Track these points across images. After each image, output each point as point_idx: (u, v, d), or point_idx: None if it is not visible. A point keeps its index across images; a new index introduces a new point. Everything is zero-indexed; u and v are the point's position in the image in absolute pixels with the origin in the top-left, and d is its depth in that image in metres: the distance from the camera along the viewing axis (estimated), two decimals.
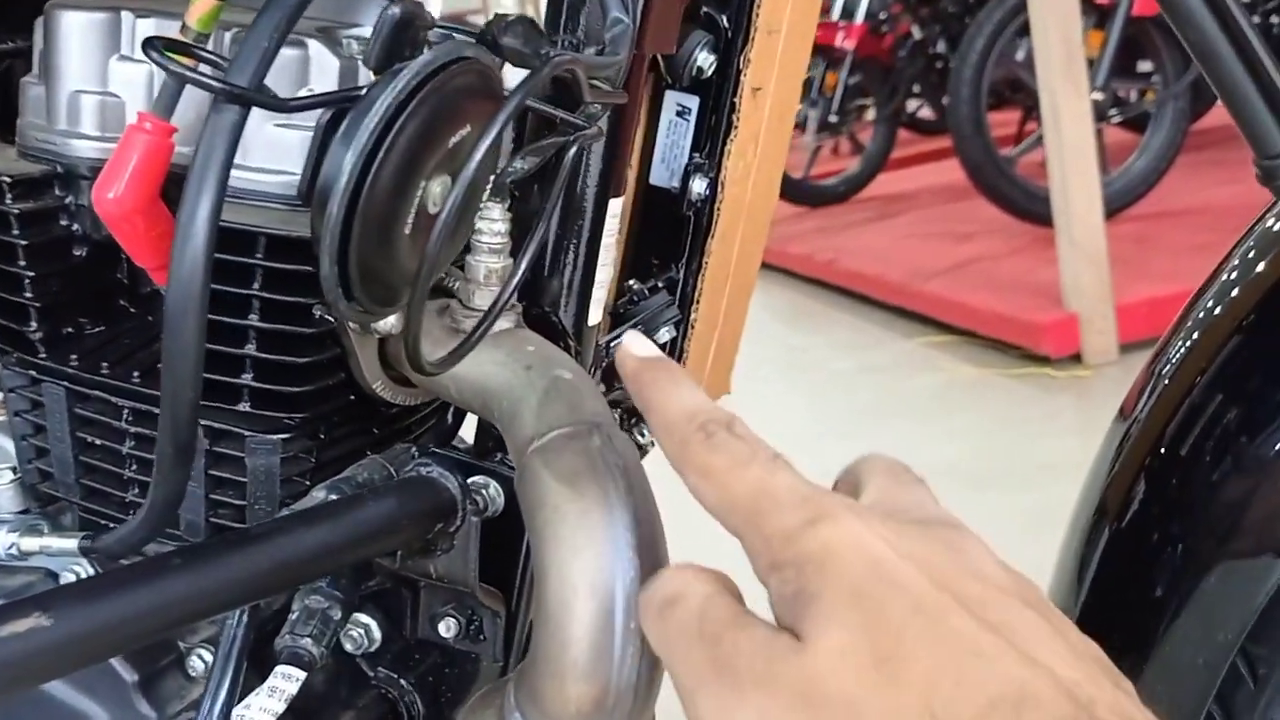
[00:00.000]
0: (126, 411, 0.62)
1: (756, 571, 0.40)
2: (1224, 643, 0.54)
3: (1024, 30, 3.60)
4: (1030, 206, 3.64)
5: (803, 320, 3.79)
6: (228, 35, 0.59)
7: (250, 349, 0.57)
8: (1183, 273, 3.21)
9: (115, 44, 0.61)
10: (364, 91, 0.45)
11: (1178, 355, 0.74)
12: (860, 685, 0.35)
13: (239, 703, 0.55)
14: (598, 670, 0.46)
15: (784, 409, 2.89)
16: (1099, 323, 2.91)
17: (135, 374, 0.60)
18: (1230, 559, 0.56)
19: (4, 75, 0.70)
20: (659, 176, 0.72)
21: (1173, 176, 3.95)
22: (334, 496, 0.57)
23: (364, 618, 0.64)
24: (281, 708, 0.56)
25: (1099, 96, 3.49)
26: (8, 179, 0.59)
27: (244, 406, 0.58)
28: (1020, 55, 3.92)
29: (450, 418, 0.69)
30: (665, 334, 0.73)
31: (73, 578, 0.62)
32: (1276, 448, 0.56)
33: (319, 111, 0.56)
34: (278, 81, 0.52)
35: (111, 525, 0.64)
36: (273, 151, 0.57)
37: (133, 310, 0.65)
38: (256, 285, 0.56)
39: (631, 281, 0.73)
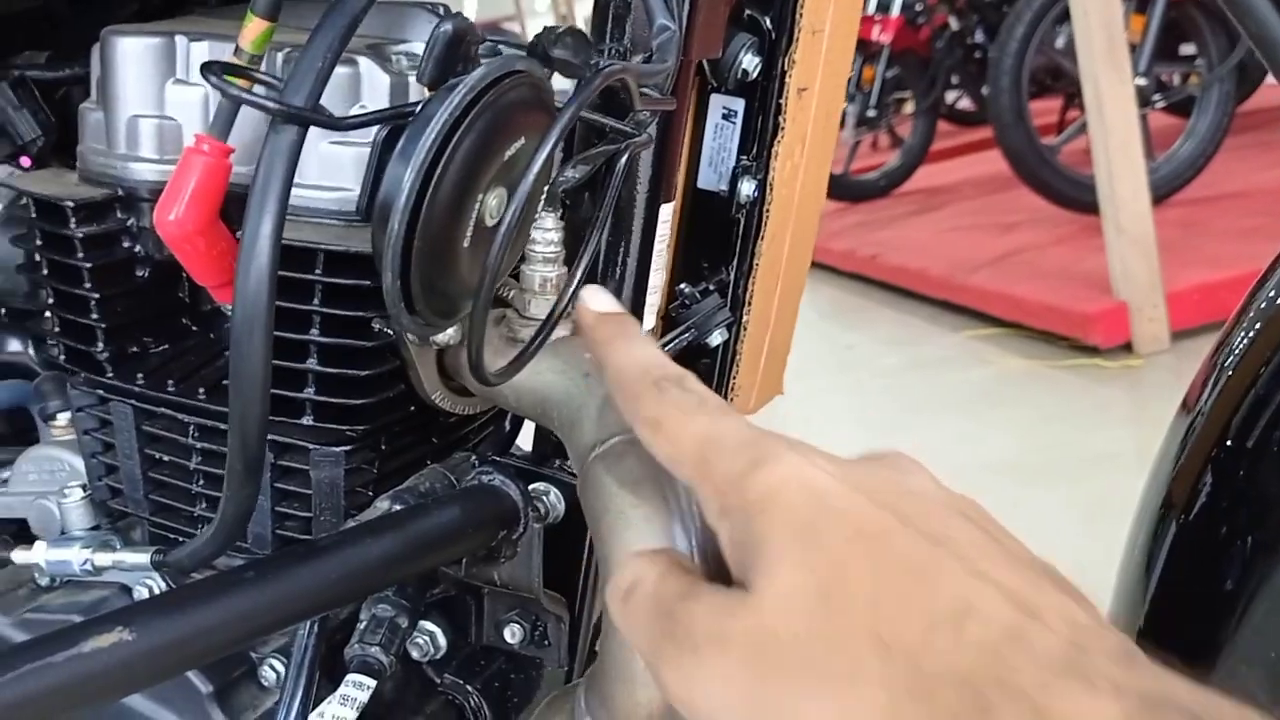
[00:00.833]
0: (193, 428, 0.63)
1: (709, 522, 0.40)
2: None
3: (1064, 17, 3.56)
4: (1074, 195, 3.60)
5: (848, 317, 3.77)
6: (280, 56, 0.60)
7: (312, 363, 0.58)
8: (1233, 257, 3.17)
9: (170, 68, 0.62)
10: (418, 108, 0.45)
11: (1240, 345, 0.73)
12: (809, 623, 0.35)
13: (312, 711, 0.56)
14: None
15: (833, 407, 2.88)
16: (1149, 311, 2.87)
17: (200, 391, 0.61)
18: None
19: (62, 102, 0.71)
20: (707, 180, 0.73)
21: (1219, 160, 3.89)
22: (398, 507, 0.58)
23: (430, 625, 0.65)
24: (354, 715, 0.57)
25: (1142, 82, 3.44)
26: (71, 204, 0.61)
27: (307, 420, 0.59)
28: (1060, 42, 3.88)
29: (508, 425, 0.69)
30: (718, 336, 0.73)
31: (145, 592, 0.63)
32: None
33: (374, 128, 0.56)
34: (330, 99, 0.53)
35: (181, 539, 0.65)
36: (327, 168, 0.58)
37: (194, 328, 0.67)
38: (316, 301, 0.57)
39: (683, 285, 0.73)
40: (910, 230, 4.19)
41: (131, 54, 0.62)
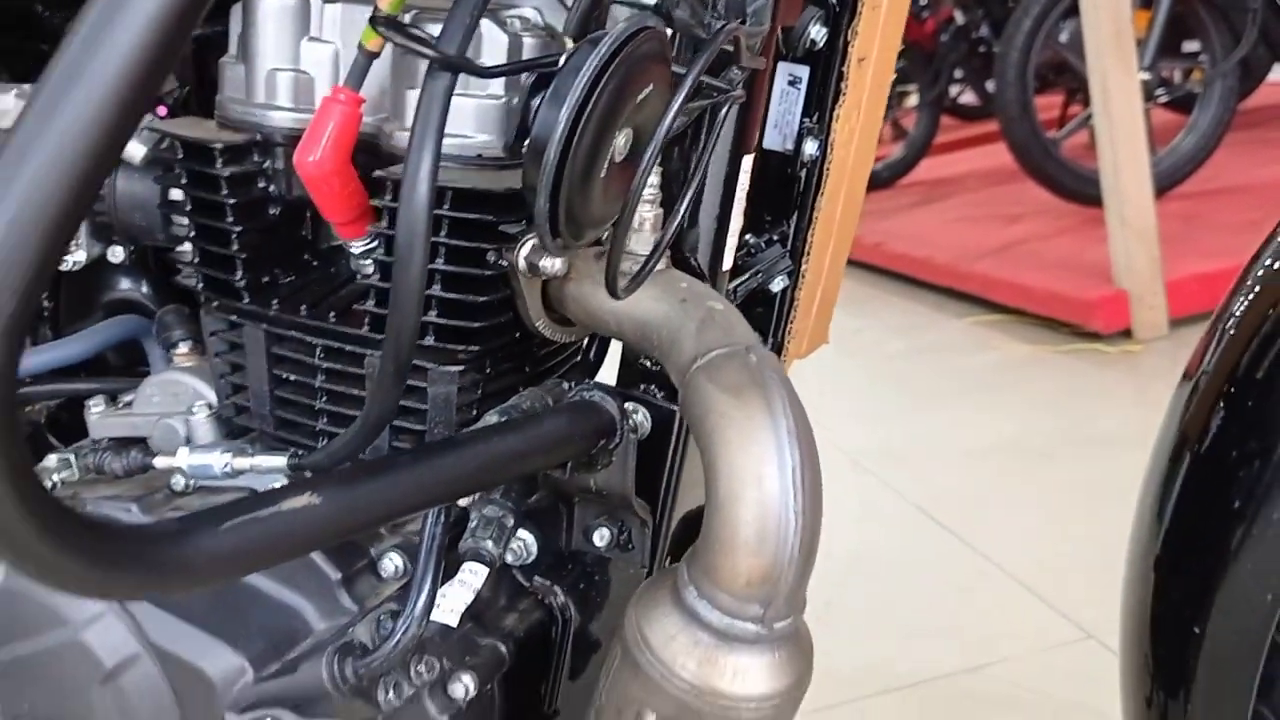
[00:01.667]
0: (319, 349, 0.70)
1: None
2: None
3: (1069, 12, 3.64)
4: (1077, 188, 3.68)
5: (854, 304, 3.84)
6: (408, 18, 0.67)
7: (436, 289, 0.66)
8: (1231, 249, 3.24)
9: (305, 27, 0.70)
10: (563, 59, 0.53)
11: (1241, 307, 0.80)
12: None
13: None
14: (765, 547, 0.54)
15: (842, 392, 2.96)
16: (1149, 299, 2.95)
17: (331, 315, 0.69)
18: None
19: (198, 57, 0.79)
20: (772, 141, 0.80)
21: (1220, 155, 3.97)
22: (505, 420, 0.65)
23: (523, 533, 0.73)
24: (470, 597, 0.65)
25: (1146, 76, 3.52)
26: (219, 145, 0.68)
27: (429, 340, 0.67)
28: (1064, 37, 3.96)
29: (592, 357, 0.77)
30: (779, 283, 0.81)
31: None
32: None
33: (497, 81, 0.64)
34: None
35: (300, 453, 0.73)
36: (453, 118, 0.66)
37: (315, 264, 0.74)
38: (443, 234, 0.65)
39: (748, 235, 0.80)
40: (915, 220, 4.27)
41: (271, 14, 0.69)
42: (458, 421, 0.70)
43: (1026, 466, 2.43)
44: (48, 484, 0.72)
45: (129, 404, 0.81)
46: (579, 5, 0.53)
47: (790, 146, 0.79)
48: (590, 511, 0.72)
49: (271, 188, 0.71)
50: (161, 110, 0.77)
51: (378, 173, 0.64)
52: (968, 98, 5.70)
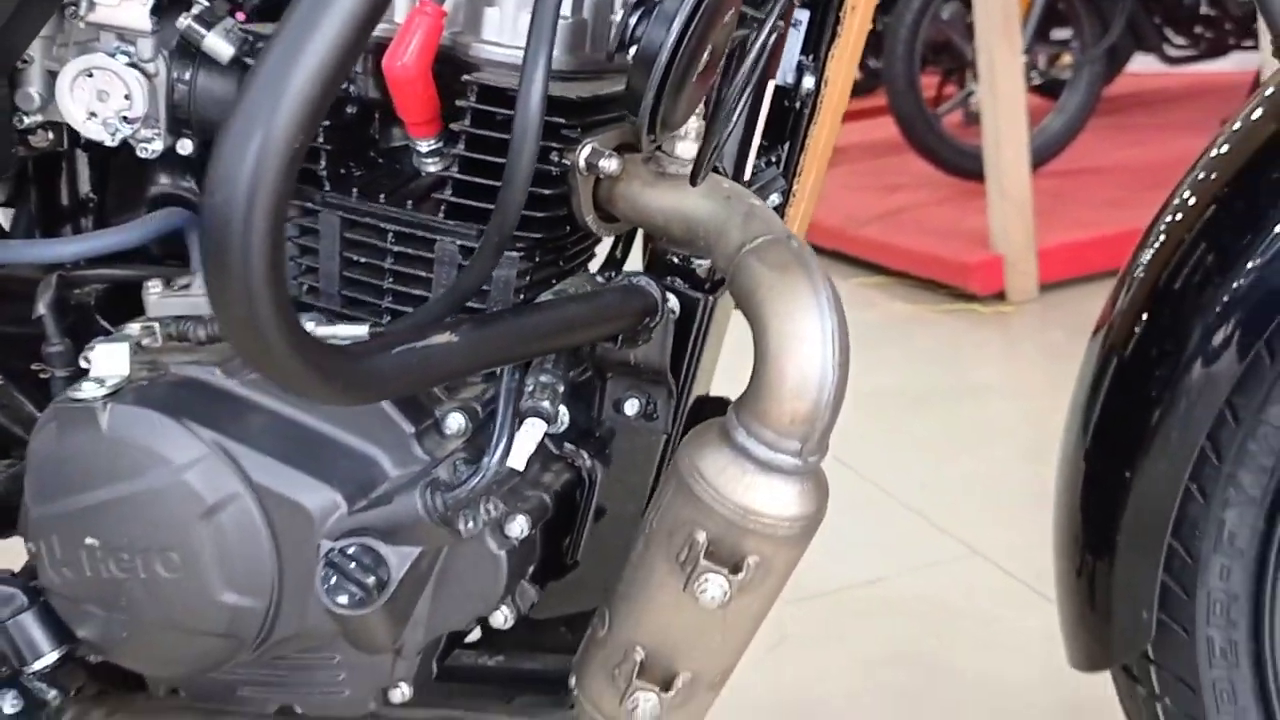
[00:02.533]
0: (391, 235, 0.80)
1: None
2: (1215, 396, 0.75)
3: None
4: (957, 161, 3.92)
5: None
6: None
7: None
8: (1096, 222, 3.52)
9: None
10: None
11: (1149, 254, 0.92)
12: None
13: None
14: (808, 393, 0.67)
15: (734, 342, 3.12)
16: (1022, 264, 3.19)
17: (409, 203, 0.78)
18: (1214, 334, 0.76)
19: None
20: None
21: (1084, 138, 4.27)
22: (577, 293, 0.76)
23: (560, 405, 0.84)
24: (533, 447, 0.75)
25: (1023, 59, 3.76)
26: None
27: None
28: (945, 15, 4.19)
29: (619, 254, 0.88)
30: (774, 200, 0.93)
31: None
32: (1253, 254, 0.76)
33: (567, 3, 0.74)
34: None
35: None
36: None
37: (379, 160, 0.83)
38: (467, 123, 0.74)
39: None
40: None
41: None
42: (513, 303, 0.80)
43: (909, 410, 2.63)
44: (125, 348, 0.80)
45: (185, 286, 0.89)
46: None
47: (790, 80, 0.91)
48: (621, 385, 0.84)
49: (351, 89, 0.80)
50: (240, 16, 0.85)
51: (466, 77, 0.74)
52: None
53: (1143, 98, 5.25)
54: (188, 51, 0.82)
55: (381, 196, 0.79)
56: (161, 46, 0.82)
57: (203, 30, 0.80)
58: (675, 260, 0.83)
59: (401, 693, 0.85)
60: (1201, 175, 0.90)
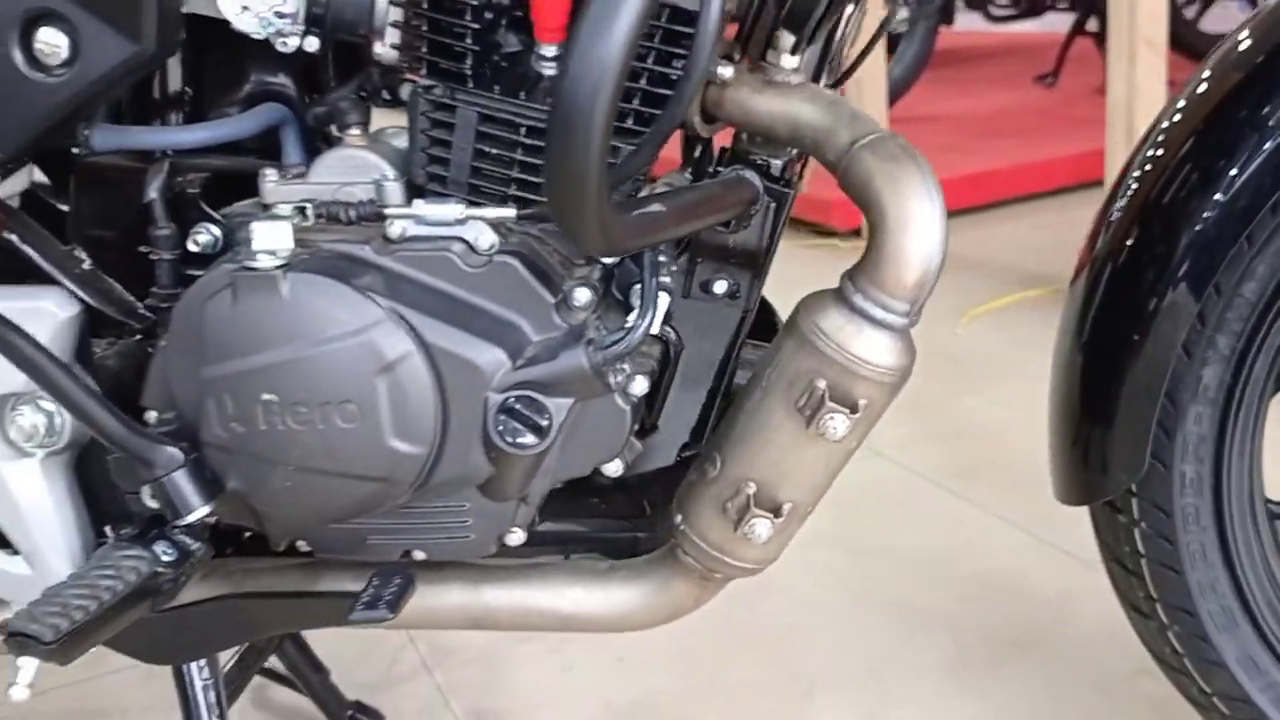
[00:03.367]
0: (524, 129, 0.90)
1: None
2: (1206, 276, 0.93)
3: None
4: None
5: None
6: None
7: (643, 83, 0.87)
8: (937, 165, 3.80)
9: None
10: None
11: (1147, 158, 1.04)
12: None
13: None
14: (918, 263, 0.82)
15: None
16: None
17: (547, 100, 0.89)
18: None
19: None
20: None
21: (915, 89, 4.58)
22: (698, 183, 0.89)
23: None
24: (664, 311, 0.88)
25: None
26: None
27: (629, 123, 0.88)
28: None
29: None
30: None
31: (486, 244, 0.90)
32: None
33: None
34: None
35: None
36: None
37: (505, 64, 0.93)
38: (656, 40, 0.86)
39: None
40: None
41: None
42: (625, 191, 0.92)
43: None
44: (289, 225, 0.87)
45: (299, 175, 0.97)
46: None
47: None
48: (709, 267, 0.97)
49: None
50: None
51: None
52: None
53: (967, 53, 5.64)
54: None
55: (521, 94, 0.89)
56: None
57: None
58: (757, 159, 0.96)
59: (517, 537, 0.96)
60: (1192, 89, 1.04)
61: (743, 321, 0.99)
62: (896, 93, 4.40)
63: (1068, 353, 1.02)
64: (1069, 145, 3.91)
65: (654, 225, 0.76)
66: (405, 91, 1.03)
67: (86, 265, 1.00)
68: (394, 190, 0.93)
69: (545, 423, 0.84)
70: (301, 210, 0.91)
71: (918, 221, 0.82)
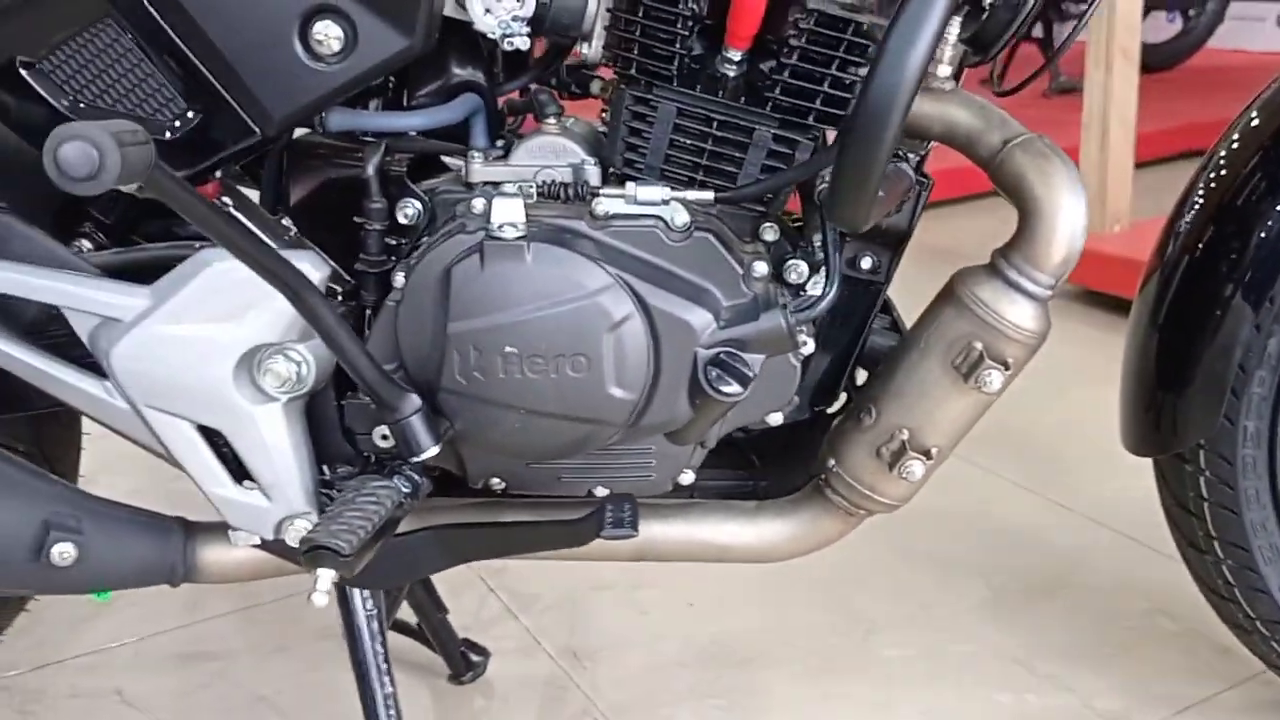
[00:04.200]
0: (716, 123, 1.04)
1: None
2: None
3: None
4: None
5: None
6: None
7: (826, 87, 1.02)
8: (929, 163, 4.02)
9: None
10: None
11: (1194, 208, 1.24)
12: None
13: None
14: (1066, 244, 0.98)
15: None
16: None
17: (743, 99, 1.03)
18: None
19: None
20: None
21: None
22: None
23: (801, 264, 1.10)
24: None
25: None
26: None
27: (809, 119, 1.03)
28: None
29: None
30: None
31: (680, 221, 1.04)
32: None
33: None
34: None
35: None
36: None
37: (696, 66, 1.06)
38: (841, 50, 1.01)
39: None
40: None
41: None
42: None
43: None
44: (521, 201, 1.01)
45: (499, 157, 1.10)
46: None
47: None
48: (855, 245, 1.12)
49: (694, 6, 1.02)
50: None
51: (811, 4, 0.99)
52: None
53: None
54: None
55: (720, 92, 1.03)
56: None
57: None
58: (900, 153, 1.12)
59: (688, 477, 1.11)
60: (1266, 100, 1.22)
61: (879, 295, 1.15)
62: None
63: (1144, 334, 1.21)
64: None
65: (879, 208, 0.91)
66: (595, 86, 1.18)
67: (294, 233, 1.12)
68: (593, 172, 1.07)
69: (750, 374, 0.99)
70: (529, 189, 1.04)
71: (1066, 210, 0.98)
